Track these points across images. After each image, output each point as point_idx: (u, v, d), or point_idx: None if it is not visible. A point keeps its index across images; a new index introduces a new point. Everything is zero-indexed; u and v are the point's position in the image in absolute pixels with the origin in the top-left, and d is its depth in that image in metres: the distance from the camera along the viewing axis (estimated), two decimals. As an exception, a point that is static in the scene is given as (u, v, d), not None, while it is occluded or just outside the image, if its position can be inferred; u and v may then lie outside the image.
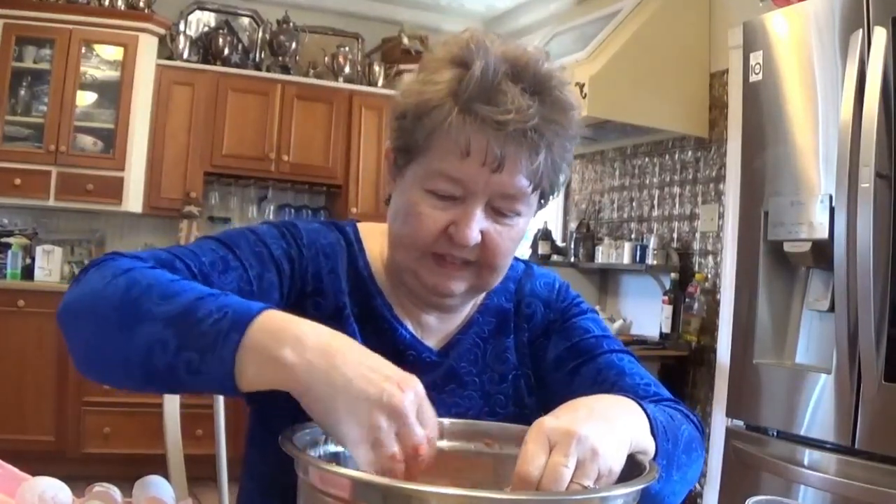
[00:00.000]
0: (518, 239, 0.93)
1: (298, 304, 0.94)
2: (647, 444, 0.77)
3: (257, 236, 0.93)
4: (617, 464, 0.69)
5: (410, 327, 0.99)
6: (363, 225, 1.04)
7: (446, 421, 0.83)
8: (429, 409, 0.69)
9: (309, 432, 0.73)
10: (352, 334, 0.91)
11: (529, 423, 0.70)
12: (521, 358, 1.03)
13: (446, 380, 0.99)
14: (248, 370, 0.68)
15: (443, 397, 0.96)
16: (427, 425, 0.68)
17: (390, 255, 0.97)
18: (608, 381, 0.96)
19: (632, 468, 0.71)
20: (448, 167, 0.86)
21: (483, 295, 1.03)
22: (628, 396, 0.82)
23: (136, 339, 0.70)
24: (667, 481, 0.82)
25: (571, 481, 0.65)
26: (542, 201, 0.96)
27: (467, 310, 1.03)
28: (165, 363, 0.69)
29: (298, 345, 0.68)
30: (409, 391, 0.67)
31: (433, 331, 1.00)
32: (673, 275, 3.60)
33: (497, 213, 0.89)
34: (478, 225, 0.87)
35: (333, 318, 0.94)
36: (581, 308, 1.07)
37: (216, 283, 0.84)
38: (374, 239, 1.02)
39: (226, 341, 0.68)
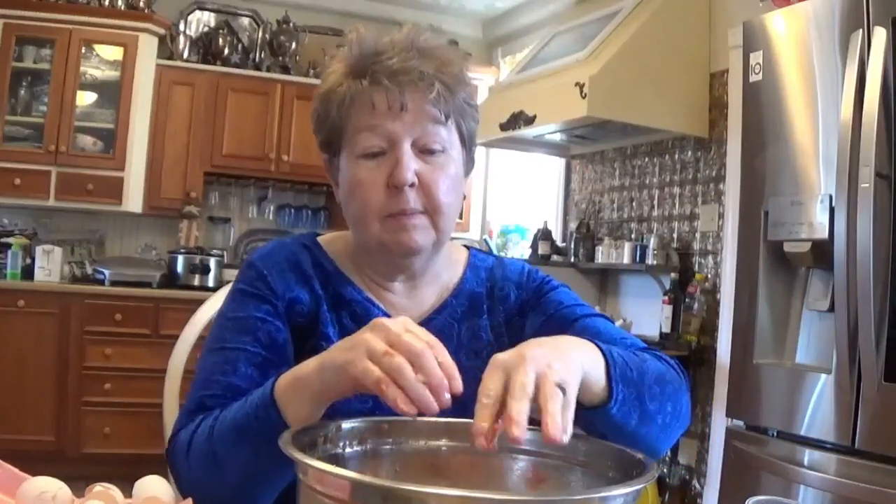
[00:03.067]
0: (454, 178, 0.99)
1: (288, 315, 1.01)
2: (598, 375, 0.81)
3: (231, 319, 1.00)
4: (571, 377, 0.74)
5: (383, 307, 1.04)
6: (322, 237, 1.11)
7: (444, 421, 0.83)
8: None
9: (308, 434, 0.73)
10: (327, 323, 1.01)
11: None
12: (497, 337, 1.07)
13: None
14: (291, 408, 0.79)
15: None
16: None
17: (355, 244, 1.05)
18: None
19: (631, 467, 0.71)
20: (364, 122, 0.96)
21: (455, 281, 1.09)
22: (585, 338, 0.86)
23: (230, 469, 0.84)
24: (643, 412, 0.86)
25: (538, 389, 0.69)
26: (466, 143, 1.02)
27: (439, 292, 1.07)
28: (256, 468, 0.82)
29: (307, 364, 0.80)
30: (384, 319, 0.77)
31: (405, 311, 1.05)
32: (673, 275, 3.59)
33: (425, 151, 0.97)
34: (410, 165, 0.95)
35: (315, 317, 1.01)
36: (552, 284, 1.12)
37: (237, 381, 0.93)
38: (335, 242, 1.09)
39: (267, 414, 0.80)
